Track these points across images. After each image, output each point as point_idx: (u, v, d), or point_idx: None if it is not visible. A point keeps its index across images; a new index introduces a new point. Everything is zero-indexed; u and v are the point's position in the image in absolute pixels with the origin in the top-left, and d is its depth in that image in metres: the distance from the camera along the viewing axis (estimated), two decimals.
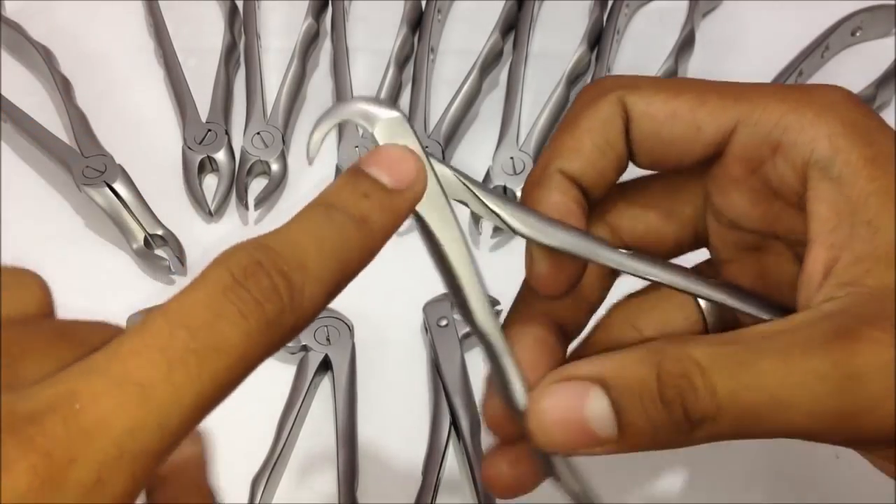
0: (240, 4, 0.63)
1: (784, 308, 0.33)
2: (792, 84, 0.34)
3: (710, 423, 0.28)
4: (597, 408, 0.28)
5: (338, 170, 0.56)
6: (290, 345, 0.51)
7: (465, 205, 0.32)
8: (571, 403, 0.29)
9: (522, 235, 0.32)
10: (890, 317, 0.28)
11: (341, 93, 0.59)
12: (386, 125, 0.30)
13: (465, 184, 0.31)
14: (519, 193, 0.56)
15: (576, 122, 0.33)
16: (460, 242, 0.31)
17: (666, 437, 0.29)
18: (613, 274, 0.35)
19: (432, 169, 0.30)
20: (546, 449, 0.30)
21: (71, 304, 0.56)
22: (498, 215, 0.31)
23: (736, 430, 0.28)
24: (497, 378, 0.31)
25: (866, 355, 0.28)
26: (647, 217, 0.35)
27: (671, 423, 0.28)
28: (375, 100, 0.31)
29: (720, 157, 0.33)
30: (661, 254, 0.35)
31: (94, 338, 0.27)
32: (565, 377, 0.29)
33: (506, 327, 0.33)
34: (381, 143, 0.31)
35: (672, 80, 0.34)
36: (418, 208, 0.30)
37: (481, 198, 0.31)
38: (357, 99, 0.31)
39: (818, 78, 0.62)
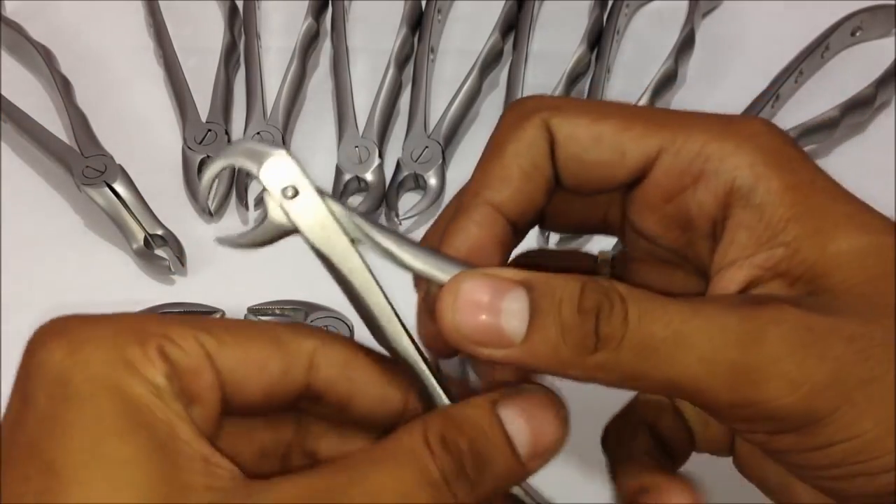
0: (240, 4, 0.63)
1: None
2: (715, 114, 0.34)
3: (615, 345, 0.29)
4: (513, 304, 0.29)
5: (338, 170, 0.56)
6: None
7: (359, 242, 0.31)
8: (489, 294, 0.29)
9: (416, 272, 0.31)
10: (799, 301, 0.29)
11: (341, 93, 0.59)
12: (272, 164, 0.30)
13: (355, 222, 0.31)
14: None
15: (502, 147, 0.33)
16: (363, 271, 0.31)
17: (568, 352, 0.29)
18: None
19: (326, 204, 0.30)
20: (450, 339, 0.29)
21: (71, 304, 0.56)
22: (389, 252, 0.31)
23: (634, 362, 0.29)
24: (422, 396, 0.31)
25: (770, 317, 0.28)
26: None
27: (580, 334, 0.29)
28: (260, 141, 0.31)
29: (641, 181, 0.33)
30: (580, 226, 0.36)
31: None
32: (492, 273, 0.30)
33: (451, 221, 0.33)
34: (267, 185, 0.30)
35: (597, 104, 0.34)
36: (319, 245, 0.31)
37: (372, 235, 0.31)
38: (241, 141, 0.31)
39: (818, 78, 0.62)
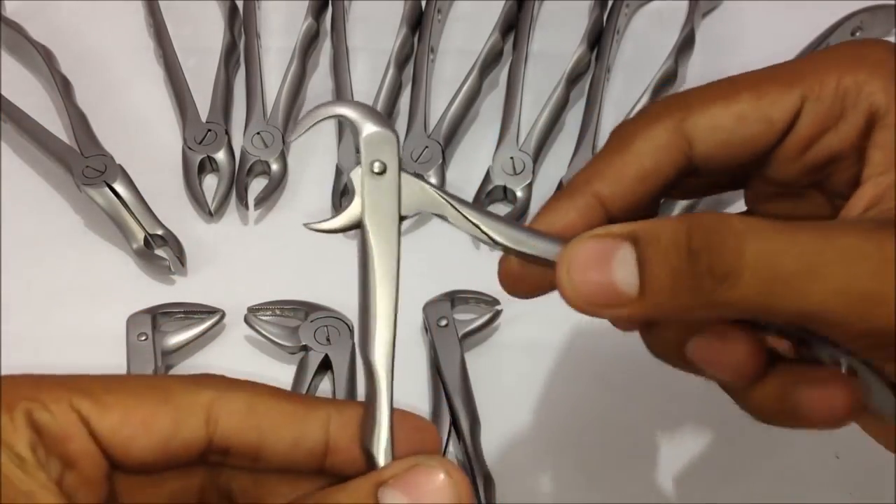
0: (240, 4, 0.63)
1: None
2: (836, 46, 0.34)
3: (734, 281, 0.28)
4: (622, 262, 0.29)
5: (337, 170, 0.56)
6: (289, 345, 0.51)
7: (444, 218, 0.32)
8: (599, 257, 0.29)
9: (500, 245, 0.32)
10: None
11: (341, 93, 0.59)
12: (378, 135, 0.31)
13: (443, 197, 0.32)
14: (519, 193, 0.56)
15: (627, 143, 0.33)
16: (392, 265, 0.31)
17: (686, 296, 0.28)
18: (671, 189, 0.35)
19: (399, 185, 0.31)
20: (572, 301, 0.30)
21: (71, 304, 0.56)
22: (477, 226, 0.31)
23: (759, 296, 0.28)
24: (367, 420, 0.30)
25: None
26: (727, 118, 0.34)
27: (693, 275, 0.28)
28: (374, 111, 0.31)
29: (785, 136, 0.33)
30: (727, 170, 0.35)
31: None
32: (600, 233, 0.29)
33: (555, 198, 0.34)
34: (362, 151, 0.31)
35: (721, 84, 0.34)
36: (367, 219, 0.31)
37: (460, 210, 0.31)
38: (357, 103, 0.32)
39: None
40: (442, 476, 0.28)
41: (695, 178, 0.35)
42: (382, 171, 0.31)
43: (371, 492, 0.28)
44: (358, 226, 0.31)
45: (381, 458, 0.30)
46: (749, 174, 0.35)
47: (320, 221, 0.31)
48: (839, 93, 0.32)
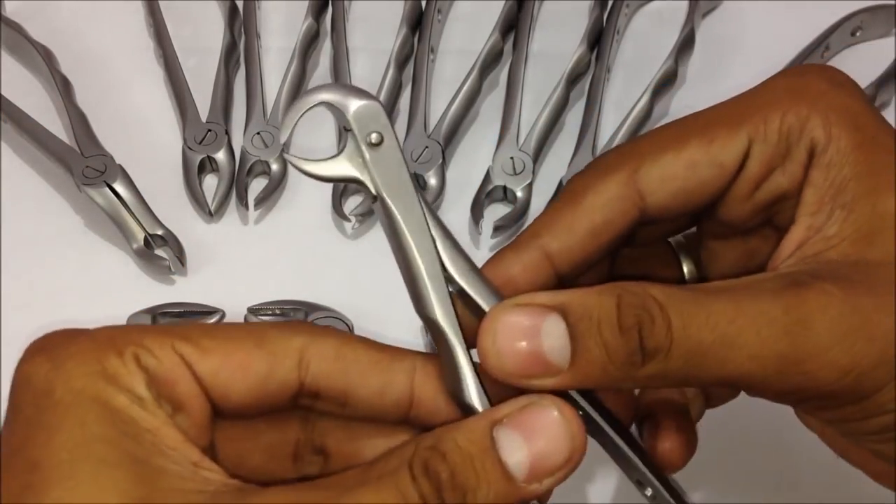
0: (240, 4, 0.63)
1: None
2: (779, 76, 0.34)
3: (663, 357, 0.29)
4: (552, 333, 0.29)
5: None
6: None
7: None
8: (527, 328, 0.29)
9: (445, 273, 0.31)
10: (842, 277, 0.29)
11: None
12: (365, 108, 0.31)
13: (422, 205, 0.31)
14: (519, 193, 0.56)
15: (579, 197, 0.33)
16: (423, 228, 0.31)
17: (617, 370, 0.29)
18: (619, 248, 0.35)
19: (401, 149, 0.31)
20: (498, 376, 0.30)
21: (71, 304, 0.56)
22: (435, 245, 0.31)
23: (685, 368, 0.29)
24: (449, 375, 0.31)
25: (816, 304, 0.29)
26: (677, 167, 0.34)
27: (625, 352, 0.29)
28: (353, 87, 0.31)
29: (734, 179, 0.33)
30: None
31: None
32: (524, 302, 0.29)
33: (502, 250, 0.34)
34: (355, 127, 0.30)
35: (670, 130, 0.34)
36: (383, 190, 0.31)
37: (427, 219, 0.31)
38: (335, 84, 0.31)
39: None
40: (556, 414, 0.29)
41: (648, 228, 0.35)
42: (380, 142, 0.31)
43: (487, 431, 0.28)
44: (353, 181, 0.31)
45: (479, 405, 0.30)
46: (699, 216, 0.36)
47: (307, 160, 0.31)
48: (783, 131, 0.32)
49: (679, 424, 0.35)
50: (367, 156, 0.31)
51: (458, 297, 0.32)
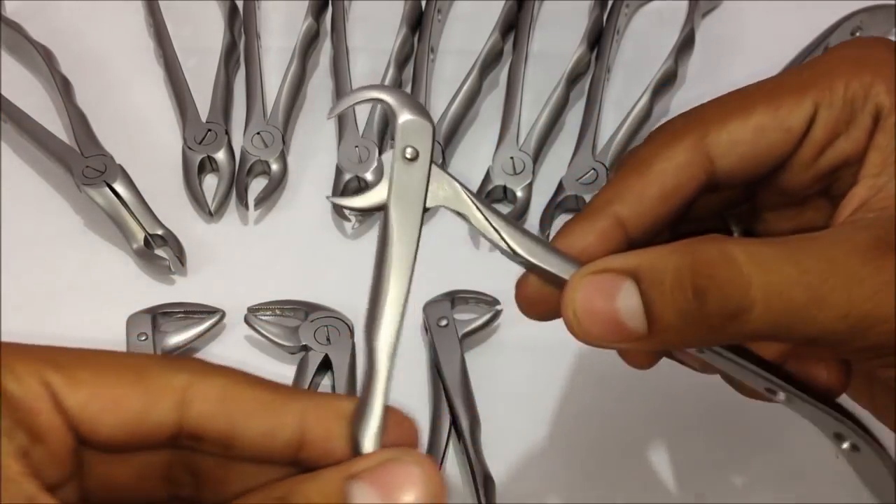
0: (240, 4, 0.63)
1: None
2: (840, 47, 0.35)
3: (743, 317, 0.28)
4: (626, 299, 0.29)
5: (338, 170, 0.56)
6: (290, 345, 0.51)
7: (465, 219, 0.32)
8: (603, 295, 0.29)
9: (519, 258, 0.32)
10: None
11: (341, 93, 0.59)
12: (414, 123, 0.31)
13: (470, 198, 0.32)
14: (519, 193, 0.56)
15: (648, 164, 0.33)
16: (409, 254, 0.31)
17: (695, 333, 0.29)
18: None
19: (428, 175, 0.31)
20: (582, 340, 0.30)
21: (71, 304, 0.56)
22: (498, 233, 0.32)
23: (770, 327, 0.29)
24: (360, 406, 0.30)
25: None
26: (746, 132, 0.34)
27: (701, 315, 0.28)
28: (414, 100, 0.31)
29: (800, 143, 0.33)
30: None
31: None
32: (600, 269, 0.30)
33: (574, 220, 0.34)
34: (397, 136, 0.31)
35: (735, 97, 0.34)
36: (391, 204, 0.31)
37: (485, 214, 0.31)
38: (398, 90, 0.32)
39: None
40: (416, 472, 0.27)
41: (711, 195, 0.35)
42: (414, 158, 0.31)
43: (340, 484, 0.27)
44: (380, 209, 0.31)
45: (368, 445, 0.29)
46: (758, 185, 0.36)
47: (343, 197, 0.32)
48: (848, 97, 0.33)
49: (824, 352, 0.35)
50: (395, 165, 0.31)
51: (536, 274, 0.32)
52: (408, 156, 0.31)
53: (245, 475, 0.30)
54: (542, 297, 0.33)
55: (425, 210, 0.31)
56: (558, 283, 0.32)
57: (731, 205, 0.37)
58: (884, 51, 0.33)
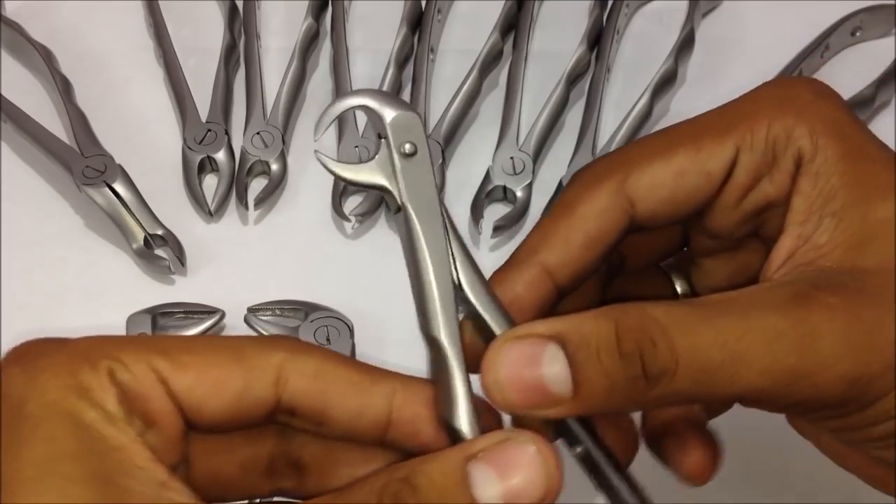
0: (240, 4, 0.63)
1: None
2: (766, 87, 0.34)
3: (668, 379, 0.28)
4: (552, 364, 0.28)
5: None
6: None
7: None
8: (527, 360, 0.29)
9: (458, 289, 0.31)
10: (840, 286, 0.30)
11: (341, 93, 0.59)
12: (403, 118, 0.31)
13: (444, 219, 0.31)
14: (519, 193, 0.56)
15: (571, 209, 0.33)
16: (441, 242, 0.31)
17: (622, 396, 0.29)
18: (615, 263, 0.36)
19: (431, 163, 0.31)
20: (502, 409, 0.30)
21: (71, 304, 0.56)
22: (453, 259, 0.31)
23: (693, 388, 0.29)
24: (442, 397, 0.30)
25: (822, 316, 0.29)
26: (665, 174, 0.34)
27: (628, 378, 0.28)
28: (394, 96, 0.31)
29: (721, 188, 0.33)
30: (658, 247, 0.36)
31: None
32: (522, 334, 0.29)
33: (501, 270, 0.34)
34: (391, 135, 0.30)
35: (658, 139, 0.34)
36: (407, 201, 0.31)
37: (450, 237, 0.31)
38: (374, 90, 0.32)
39: (818, 78, 0.62)
40: (533, 450, 0.28)
41: (643, 243, 0.35)
42: (413, 153, 0.31)
43: (461, 464, 0.28)
44: (380, 188, 0.31)
45: (467, 430, 0.30)
46: (689, 229, 0.36)
47: (338, 162, 0.31)
48: (769, 140, 0.32)
49: (701, 436, 0.35)
50: (398, 165, 0.31)
51: (470, 319, 0.32)
52: (406, 151, 0.31)
53: (347, 466, 0.31)
54: (470, 351, 0.32)
55: (442, 199, 0.31)
56: (488, 334, 0.31)
57: (666, 253, 0.37)
58: (807, 91, 0.33)
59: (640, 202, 0.33)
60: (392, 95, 0.31)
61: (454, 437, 0.30)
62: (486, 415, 0.30)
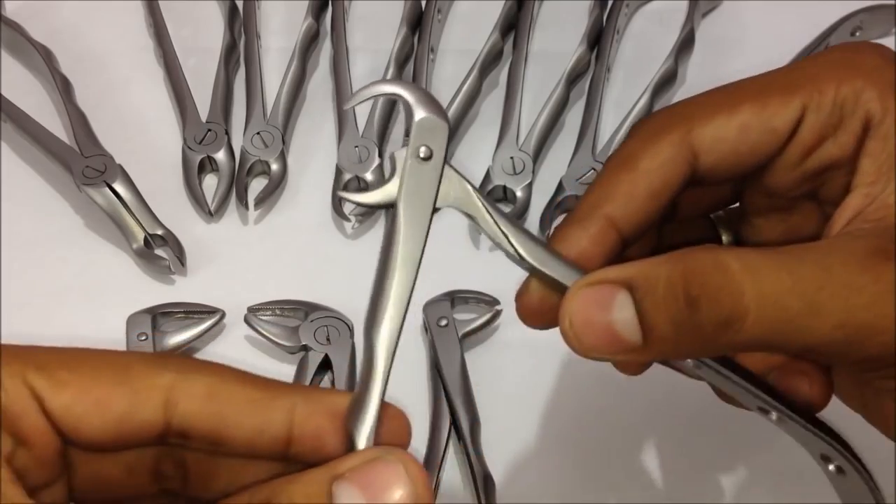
0: (240, 4, 0.63)
1: None
2: (832, 51, 0.35)
3: (736, 325, 0.28)
4: (621, 310, 0.29)
5: (337, 170, 0.56)
6: (290, 345, 0.51)
7: (474, 221, 0.32)
8: (599, 306, 0.29)
9: (525, 263, 0.32)
10: None
11: (341, 93, 0.59)
12: (430, 121, 0.31)
13: (481, 201, 0.31)
14: (519, 193, 0.56)
15: (634, 161, 0.33)
16: (416, 253, 0.30)
17: (689, 343, 0.29)
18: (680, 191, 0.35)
19: (441, 175, 0.31)
20: (578, 351, 0.30)
21: (71, 304, 0.56)
22: (507, 238, 0.31)
23: (766, 336, 0.29)
24: (355, 402, 0.30)
25: None
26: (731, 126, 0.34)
27: (693, 324, 0.28)
28: (432, 98, 0.31)
29: (786, 144, 0.33)
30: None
31: None
32: (595, 280, 0.30)
33: (565, 225, 0.34)
34: (412, 134, 0.31)
35: (721, 93, 0.34)
36: (401, 202, 0.31)
37: (495, 218, 0.31)
38: (417, 87, 0.32)
39: None
40: (401, 472, 0.27)
41: (698, 192, 0.35)
42: (428, 158, 0.31)
43: (326, 485, 0.27)
44: (389, 206, 0.31)
45: (362, 442, 0.29)
46: (745, 185, 0.36)
47: (354, 193, 0.31)
48: (837, 101, 0.32)
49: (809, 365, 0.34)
50: (407, 164, 0.31)
51: (539, 279, 0.32)
52: (421, 155, 0.31)
53: (233, 469, 0.30)
54: (542, 307, 0.33)
55: (435, 210, 0.31)
56: (560, 289, 0.31)
57: (719, 204, 0.37)
58: (876, 56, 0.33)
59: (703, 154, 0.33)
60: (430, 97, 0.31)
61: (350, 446, 0.29)
62: (392, 421, 0.30)
